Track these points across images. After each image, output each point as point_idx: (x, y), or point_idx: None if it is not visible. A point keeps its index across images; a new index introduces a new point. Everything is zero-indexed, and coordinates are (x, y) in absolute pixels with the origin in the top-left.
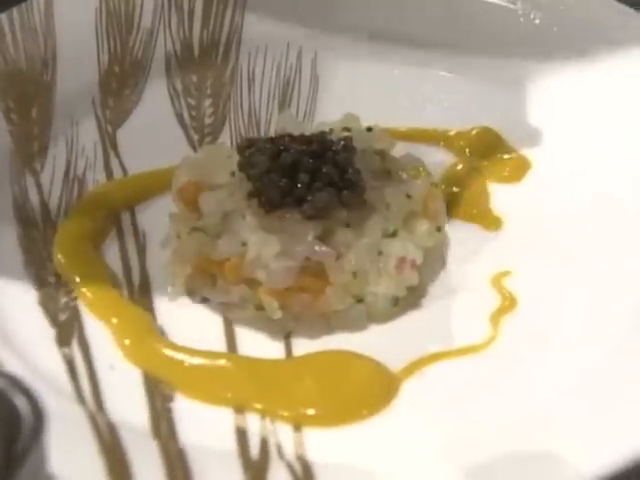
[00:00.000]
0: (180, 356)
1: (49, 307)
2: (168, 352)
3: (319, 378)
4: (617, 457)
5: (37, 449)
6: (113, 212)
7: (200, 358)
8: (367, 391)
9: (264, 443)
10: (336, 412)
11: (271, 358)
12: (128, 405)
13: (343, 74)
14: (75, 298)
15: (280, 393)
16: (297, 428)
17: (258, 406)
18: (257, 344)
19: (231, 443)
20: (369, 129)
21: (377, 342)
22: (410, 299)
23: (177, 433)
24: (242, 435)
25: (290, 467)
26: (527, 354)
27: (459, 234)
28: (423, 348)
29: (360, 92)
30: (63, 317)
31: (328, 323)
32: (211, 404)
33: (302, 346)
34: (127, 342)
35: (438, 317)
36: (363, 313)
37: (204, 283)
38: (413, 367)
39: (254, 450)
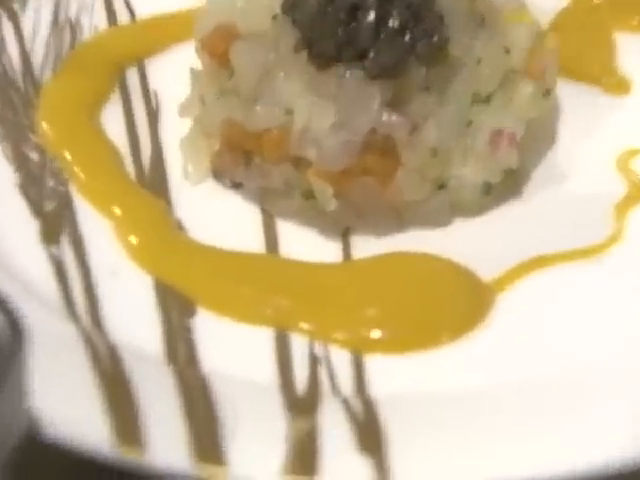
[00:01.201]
0: (204, 259)
1: (31, 192)
2: (188, 253)
3: (386, 291)
4: None
5: (15, 376)
6: (116, 68)
7: (230, 262)
8: (449, 308)
9: (313, 374)
10: (408, 335)
11: (323, 263)
12: (134, 322)
13: None
14: (65, 181)
15: (335, 310)
16: (357, 355)
17: (306, 326)
18: (305, 244)
19: (270, 373)
20: None
21: (463, 243)
22: (507, 186)
23: (198, 358)
24: (284, 363)
25: (346, 404)
26: None
27: (574, 101)
28: (523, 251)
29: None
30: (49, 206)
31: (399, 217)
32: (244, 322)
33: (364, 248)
34: (134, 240)
35: (543, 211)
36: (445, 204)
37: (236, 162)
38: (510, 276)
39: (300, 383)
